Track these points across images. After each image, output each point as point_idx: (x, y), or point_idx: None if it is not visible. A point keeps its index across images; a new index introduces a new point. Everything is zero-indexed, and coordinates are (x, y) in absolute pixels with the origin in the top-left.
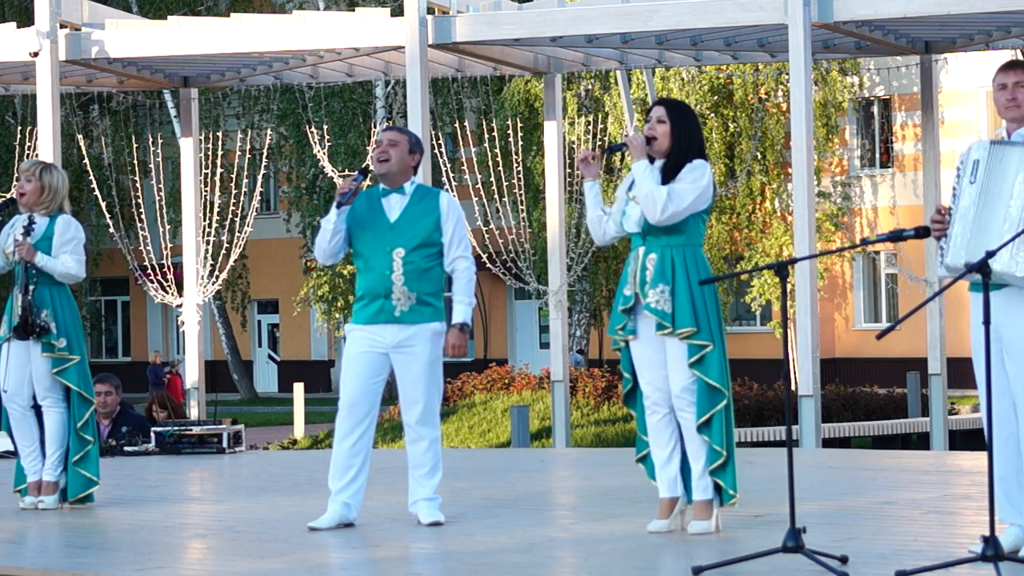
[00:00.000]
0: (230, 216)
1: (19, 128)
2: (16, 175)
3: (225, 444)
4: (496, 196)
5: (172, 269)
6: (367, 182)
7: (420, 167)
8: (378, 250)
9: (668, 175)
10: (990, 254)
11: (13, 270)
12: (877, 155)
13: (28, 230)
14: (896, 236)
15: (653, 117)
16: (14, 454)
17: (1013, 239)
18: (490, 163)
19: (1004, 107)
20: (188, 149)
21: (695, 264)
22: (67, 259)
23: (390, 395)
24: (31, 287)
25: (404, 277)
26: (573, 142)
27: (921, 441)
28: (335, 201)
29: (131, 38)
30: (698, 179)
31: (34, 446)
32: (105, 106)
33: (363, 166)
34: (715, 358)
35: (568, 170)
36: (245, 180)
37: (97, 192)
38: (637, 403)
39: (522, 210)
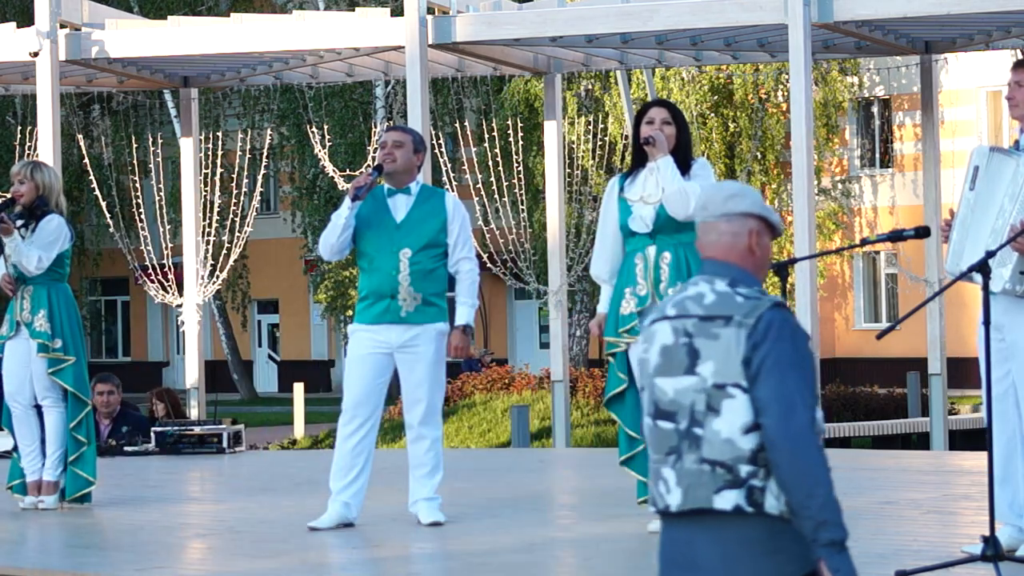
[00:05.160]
0: (230, 216)
1: (19, 128)
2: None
3: (225, 444)
4: (496, 196)
5: (172, 269)
6: (380, 179)
7: (422, 166)
8: (384, 250)
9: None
10: (990, 254)
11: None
12: (877, 155)
13: (27, 224)
14: (896, 236)
15: (657, 119)
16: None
17: (1002, 247)
18: (490, 163)
19: (1010, 105)
20: (188, 149)
21: None
22: (32, 251)
23: (390, 395)
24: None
25: (410, 278)
26: (573, 142)
27: (921, 441)
28: (349, 195)
29: (131, 38)
30: (710, 176)
31: (35, 445)
32: (105, 106)
33: (378, 163)
34: None
35: (568, 170)
36: (245, 180)
37: (97, 192)
38: (625, 406)
39: (522, 210)
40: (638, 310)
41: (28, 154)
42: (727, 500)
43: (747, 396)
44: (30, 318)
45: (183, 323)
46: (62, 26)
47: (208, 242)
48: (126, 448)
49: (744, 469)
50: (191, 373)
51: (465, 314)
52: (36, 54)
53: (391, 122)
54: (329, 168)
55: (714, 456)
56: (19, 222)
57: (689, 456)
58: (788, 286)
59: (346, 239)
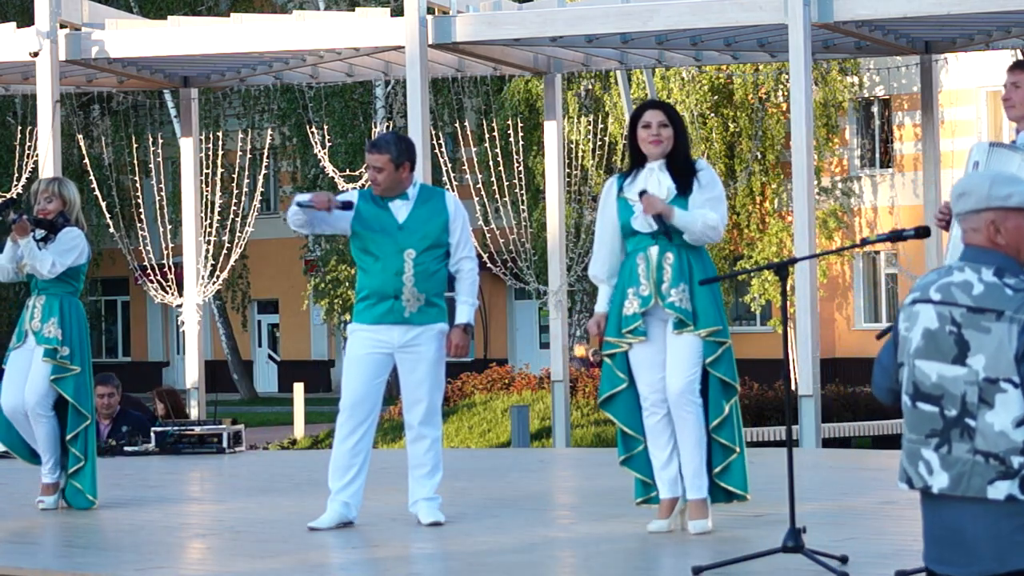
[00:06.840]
0: (230, 216)
1: (19, 128)
2: (32, 198)
3: (225, 444)
4: (496, 196)
5: (172, 269)
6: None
7: (418, 166)
8: (388, 251)
9: (680, 176)
10: None
11: (29, 282)
12: (877, 155)
13: (47, 238)
14: (896, 236)
15: (654, 122)
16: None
17: None
18: (490, 163)
19: (1005, 106)
20: (188, 149)
21: (708, 263)
22: (46, 255)
23: (390, 394)
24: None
25: (415, 278)
26: (573, 142)
27: None
28: (333, 205)
29: (131, 38)
30: (717, 185)
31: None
32: (105, 106)
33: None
34: (729, 355)
35: (568, 170)
36: (245, 180)
37: (97, 192)
38: (620, 405)
39: (522, 210)
40: (642, 311)
41: (28, 154)
42: (1000, 490)
43: (1019, 391)
44: (39, 326)
45: (183, 323)
46: (62, 26)
47: (208, 242)
48: (126, 448)
49: (1017, 460)
50: (191, 373)
51: (465, 313)
52: (36, 54)
53: (391, 122)
54: (329, 168)
55: (988, 448)
56: (39, 233)
57: (960, 445)
58: (788, 286)
59: (304, 224)
